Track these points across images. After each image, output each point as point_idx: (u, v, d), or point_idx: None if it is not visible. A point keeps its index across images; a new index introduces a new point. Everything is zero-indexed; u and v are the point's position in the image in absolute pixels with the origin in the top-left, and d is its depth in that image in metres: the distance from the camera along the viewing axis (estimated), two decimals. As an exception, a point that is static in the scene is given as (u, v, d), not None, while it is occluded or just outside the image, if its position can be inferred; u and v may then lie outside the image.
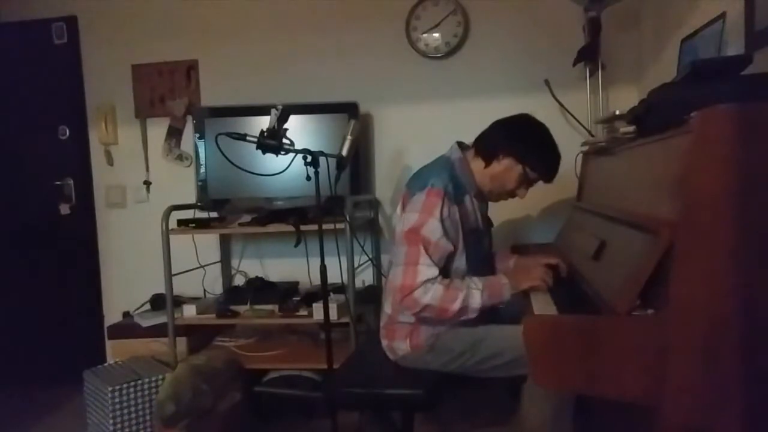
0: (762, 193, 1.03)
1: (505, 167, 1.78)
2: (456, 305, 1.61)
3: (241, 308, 2.60)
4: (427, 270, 1.62)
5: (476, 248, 1.80)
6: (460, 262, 1.74)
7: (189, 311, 2.59)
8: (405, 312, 1.69)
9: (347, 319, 2.37)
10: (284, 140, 1.93)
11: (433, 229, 1.65)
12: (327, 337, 2.03)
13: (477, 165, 1.82)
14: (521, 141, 1.77)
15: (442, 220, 1.67)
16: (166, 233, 2.51)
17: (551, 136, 1.81)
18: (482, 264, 1.86)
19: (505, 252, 2.16)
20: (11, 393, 3.05)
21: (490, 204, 1.97)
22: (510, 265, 2.02)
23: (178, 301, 2.68)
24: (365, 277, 2.90)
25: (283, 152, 1.94)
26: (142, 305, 2.95)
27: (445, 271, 1.72)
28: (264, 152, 1.93)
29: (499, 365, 1.65)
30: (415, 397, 1.69)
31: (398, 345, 1.78)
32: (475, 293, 1.62)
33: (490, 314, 1.71)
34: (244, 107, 2.71)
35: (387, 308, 1.84)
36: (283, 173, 1.96)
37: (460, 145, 1.88)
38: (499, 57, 2.76)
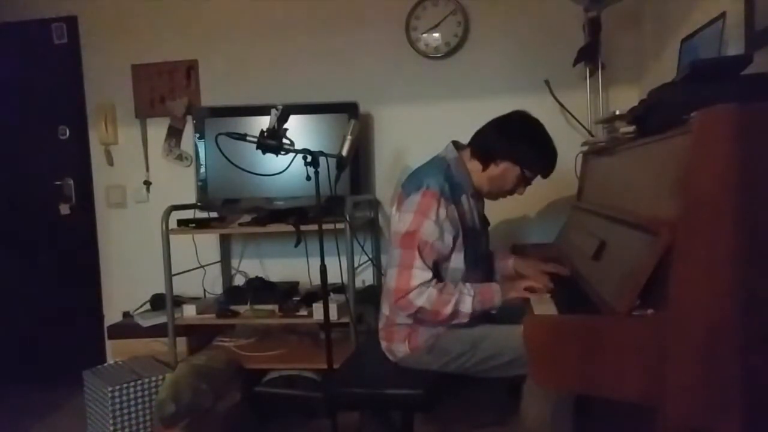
0: (762, 193, 1.03)
1: (503, 170, 1.78)
2: (448, 309, 1.63)
3: (241, 308, 2.60)
4: (422, 273, 1.65)
5: (473, 248, 1.80)
6: (458, 262, 1.74)
7: (189, 311, 2.59)
8: (401, 313, 1.71)
9: (347, 319, 2.37)
10: (284, 140, 1.94)
11: (429, 232, 1.66)
12: (327, 337, 2.03)
13: (474, 166, 1.82)
14: (517, 143, 1.77)
15: (438, 222, 1.67)
16: (166, 233, 2.51)
17: (546, 132, 1.81)
18: (480, 263, 1.86)
19: (505, 252, 2.15)
20: (11, 393, 3.05)
21: (488, 202, 1.97)
22: (509, 264, 2.02)
23: (178, 301, 2.68)
24: (365, 277, 2.90)
25: (283, 152, 1.94)
26: (142, 305, 2.95)
27: (442, 272, 1.73)
28: (264, 152, 1.93)
29: (499, 365, 1.65)
30: (415, 397, 1.69)
31: (397, 347, 1.78)
32: (466, 299, 1.65)
33: (489, 315, 1.71)
34: (244, 107, 2.71)
35: (385, 310, 1.84)
36: (283, 173, 1.96)
37: (456, 144, 1.88)
38: (499, 57, 2.76)
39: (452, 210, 1.72)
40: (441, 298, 1.64)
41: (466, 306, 1.64)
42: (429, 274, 1.66)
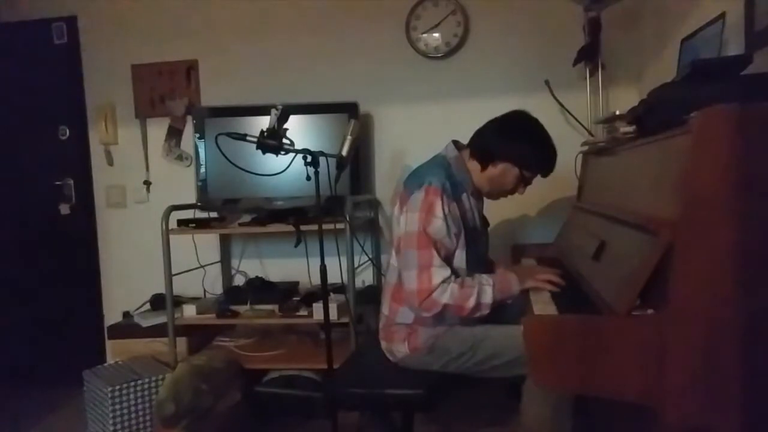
0: (762, 193, 1.03)
1: (502, 170, 1.79)
2: (471, 302, 1.63)
3: (241, 308, 2.60)
4: (441, 271, 1.64)
5: (474, 247, 1.80)
6: (461, 261, 1.74)
7: (189, 311, 2.59)
8: (423, 313, 1.68)
9: (347, 319, 2.37)
10: (284, 140, 1.93)
11: (438, 228, 1.66)
12: (327, 337, 2.03)
13: (473, 166, 1.83)
14: (515, 144, 1.77)
15: (445, 219, 1.67)
16: (166, 233, 2.51)
17: (545, 132, 1.80)
18: (480, 263, 1.86)
19: (502, 261, 2.15)
20: (11, 393, 3.05)
21: (489, 202, 1.97)
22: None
23: (178, 301, 2.68)
24: (365, 277, 2.90)
25: (283, 152, 1.94)
26: (142, 305, 2.95)
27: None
28: (264, 152, 1.93)
29: (499, 365, 1.65)
30: (415, 397, 1.69)
31: (397, 347, 1.78)
32: (487, 289, 1.65)
33: (489, 314, 1.72)
34: (244, 107, 2.71)
35: (385, 309, 1.84)
36: (283, 173, 1.96)
37: (456, 144, 1.88)
38: (499, 57, 2.76)
39: (454, 207, 1.72)
40: (463, 291, 1.63)
41: (488, 297, 1.64)
42: (448, 271, 1.65)
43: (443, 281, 1.63)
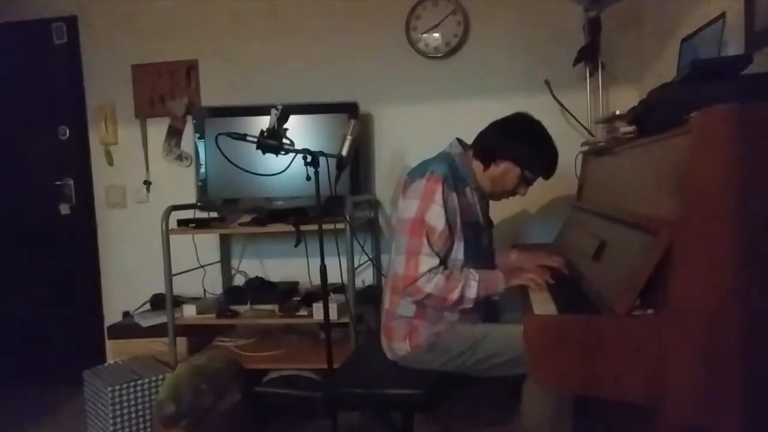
0: (762, 193, 1.03)
1: (503, 170, 1.81)
2: (454, 295, 1.66)
3: (241, 308, 2.60)
4: (429, 260, 1.67)
5: (475, 242, 1.81)
6: (458, 253, 1.76)
7: (189, 311, 2.59)
8: (407, 299, 1.72)
9: (347, 319, 2.37)
10: (284, 140, 1.93)
11: (437, 217, 1.68)
12: (327, 337, 2.03)
13: (476, 166, 1.85)
14: (517, 144, 1.79)
15: (443, 206, 1.69)
16: (166, 233, 2.51)
17: (547, 134, 1.82)
18: (481, 260, 1.86)
19: (506, 248, 2.16)
20: (11, 393, 3.05)
21: (491, 203, 1.98)
22: (512, 259, 2.04)
23: (178, 301, 2.68)
24: (365, 277, 2.90)
25: (283, 152, 1.94)
26: (142, 305, 2.95)
27: (444, 261, 1.73)
28: (264, 152, 1.93)
29: (499, 364, 1.65)
30: (415, 397, 1.69)
31: (398, 345, 1.78)
32: (472, 284, 1.68)
33: (490, 313, 1.72)
34: (244, 107, 2.71)
35: (386, 303, 1.86)
36: (283, 173, 1.96)
37: (460, 141, 1.90)
38: (499, 57, 2.76)
39: (453, 198, 1.75)
40: (448, 284, 1.67)
41: (472, 291, 1.68)
42: (436, 261, 1.68)
43: (429, 270, 1.66)
